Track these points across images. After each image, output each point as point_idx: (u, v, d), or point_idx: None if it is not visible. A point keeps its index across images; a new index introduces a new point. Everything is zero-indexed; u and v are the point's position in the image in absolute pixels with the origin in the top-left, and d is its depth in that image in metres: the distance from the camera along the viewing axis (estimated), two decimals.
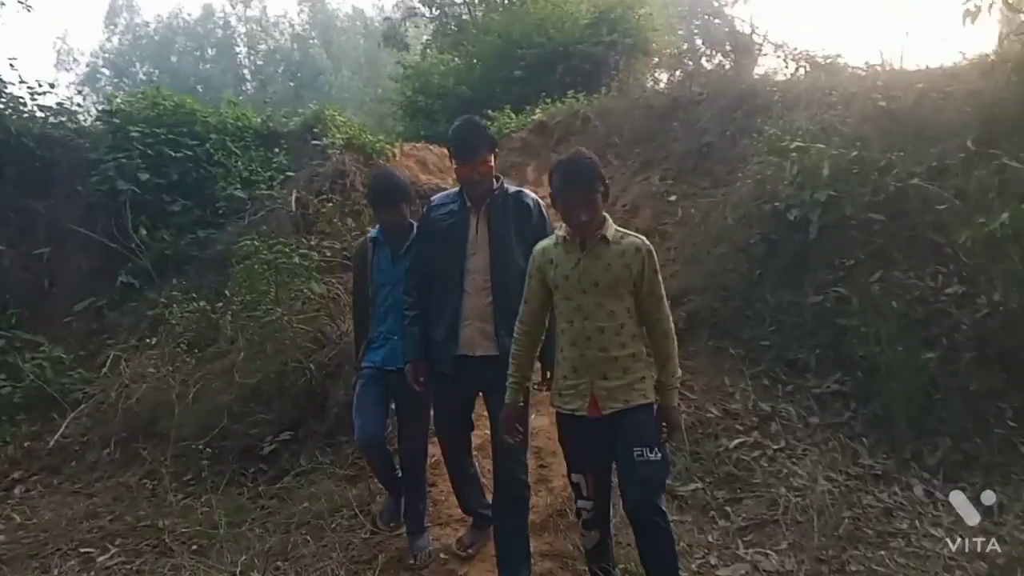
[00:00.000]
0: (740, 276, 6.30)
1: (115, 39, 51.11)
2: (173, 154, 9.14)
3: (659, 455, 3.22)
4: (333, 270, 7.71)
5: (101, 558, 4.92)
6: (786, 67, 11.90)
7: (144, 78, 42.94)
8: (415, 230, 4.29)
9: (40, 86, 9.88)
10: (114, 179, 8.75)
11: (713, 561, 4.12)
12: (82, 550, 5.06)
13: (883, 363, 5.20)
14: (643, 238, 3.35)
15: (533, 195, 4.00)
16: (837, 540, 4.10)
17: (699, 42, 24.19)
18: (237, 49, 51.15)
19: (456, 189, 4.03)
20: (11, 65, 9.75)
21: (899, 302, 5.43)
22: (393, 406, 4.46)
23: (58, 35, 66.09)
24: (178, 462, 6.01)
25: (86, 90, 34.32)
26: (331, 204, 8.64)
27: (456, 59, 18.71)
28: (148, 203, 8.85)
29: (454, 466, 4.29)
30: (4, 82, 9.62)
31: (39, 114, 9.78)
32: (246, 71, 49.85)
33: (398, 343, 4.27)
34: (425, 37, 25.07)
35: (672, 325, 3.36)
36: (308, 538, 4.71)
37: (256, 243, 7.06)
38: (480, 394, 4.07)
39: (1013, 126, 5.96)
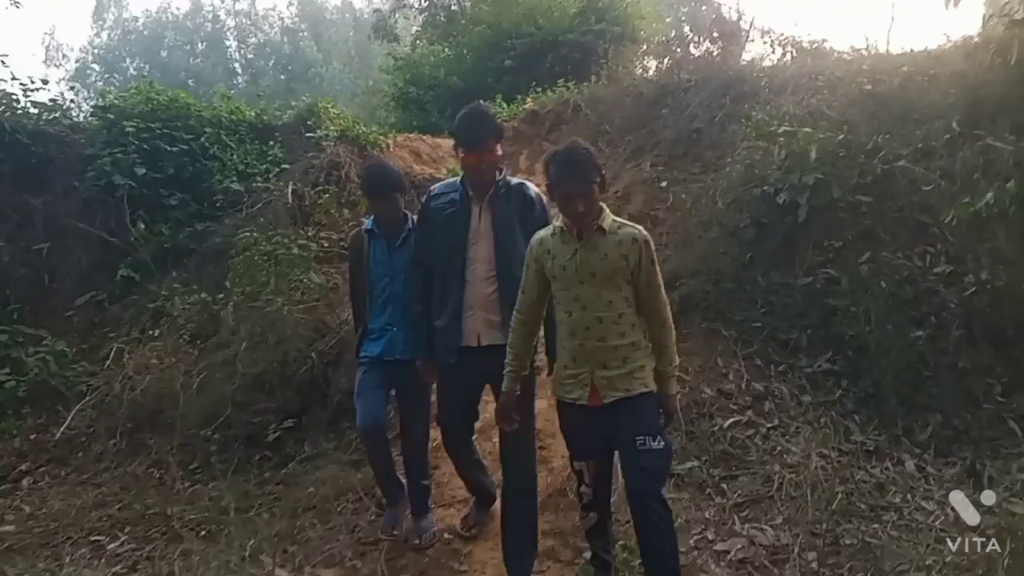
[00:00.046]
0: (731, 259, 6.32)
1: (104, 34, 50.70)
2: (168, 148, 9.13)
3: (662, 443, 3.25)
4: (331, 260, 7.78)
5: (111, 545, 4.96)
6: (773, 53, 11.87)
7: (135, 73, 42.46)
8: (414, 221, 4.30)
9: (32, 83, 9.86)
10: (110, 174, 8.76)
11: (710, 536, 4.19)
12: (92, 538, 5.10)
13: (873, 342, 5.26)
14: (640, 228, 3.34)
15: (535, 188, 3.96)
16: (831, 515, 4.14)
17: (687, 29, 24.10)
18: (227, 43, 50.88)
19: (456, 178, 4.00)
20: (2, 62, 9.68)
21: (888, 282, 5.51)
22: (393, 393, 4.48)
23: (46, 31, 65.49)
24: (184, 451, 6.07)
25: (77, 86, 34.00)
26: (327, 195, 8.72)
27: (446, 50, 18.66)
28: (145, 197, 8.86)
29: (458, 454, 4.31)
30: None
31: (32, 110, 9.71)
32: (237, 65, 49.53)
33: (398, 334, 4.29)
34: (415, 28, 24.93)
35: (670, 314, 3.39)
36: (315, 521, 4.80)
37: (255, 235, 7.13)
38: (488, 382, 4.03)
39: (997, 107, 6.03)
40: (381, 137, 10.56)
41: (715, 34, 16.76)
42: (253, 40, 50.93)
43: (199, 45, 50.30)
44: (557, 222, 3.44)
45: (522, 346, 3.54)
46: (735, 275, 6.20)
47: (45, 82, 10.21)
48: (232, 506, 4.96)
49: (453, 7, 22.47)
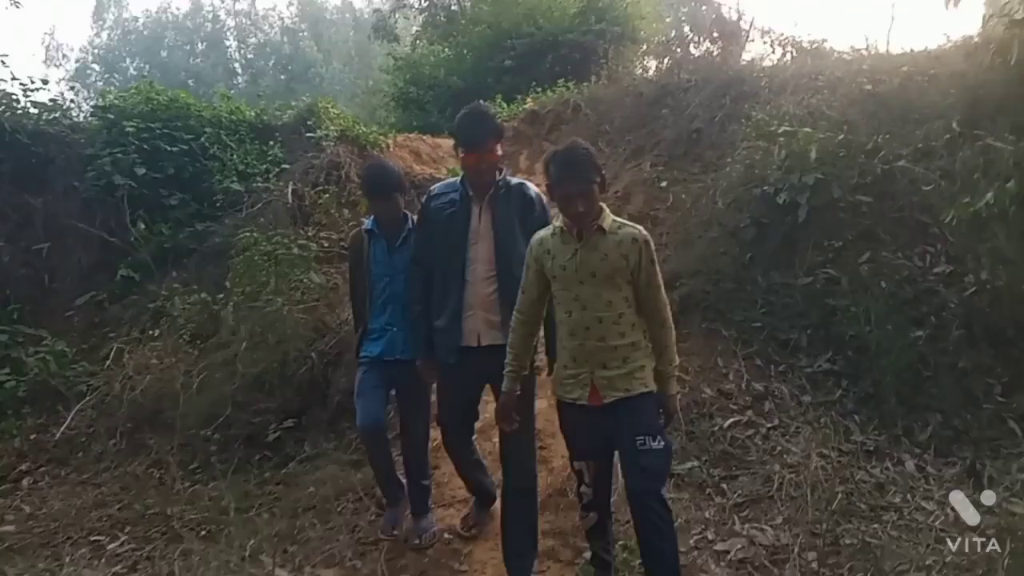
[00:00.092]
0: (731, 259, 6.31)
1: (104, 34, 50.71)
2: (168, 148, 9.12)
3: (662, 443, 3.25)
4: (331, 260, 7.78)
5: (111, 545, 4.96)
6: (773, 53, 11.88)
7: (135, 73, 42.46)
8: (414, 221, 4.29)
9: (32, 83, 9.86)
10: (110, 174, 8.75)
11: (710, 536, 4.19)
12: (92, 538, 5.09)
13: (873, 342, 5.26)
14: (640, 228, 3.34)
15: (535, 188, 3.95)
16: (831, 514, 4.14)
17: (687, 29, 24.13)
18: (227, 43, 50.89)
19: (456, 178, 4.00)
20: (2, 62, 9.67)
21: (888, 282, 5.51)
22: (393, 393, 4.48)
23: (46, 31, 65.50)
24: (184, 451, 6.07)
25: (77, 86, 33.99)
26: (327, 195, 8.72)
27: (446, 50, 18.66)
28: (145, 197, 8.85)
29: (458, 454, 4.31)
30: None
31: (32, 110, 9.71)
32: (237, 65, 49.54)
33: (398, 334, 4.29)
34: (415, 28, 24.93)
35: (670, 314, 3.38)
36: (315, 521, 4.80)
37: (255, 235, 7.13)
38: (488, 382, 4.02)
39: (997, 107, 6.03)
40: (381, 137, 10.56)
41: (715, 34, 16.76)
42: (253, 40, 50.96)
43: (199, 45, 50.31)
44: (557, 222, 3.44)
45: (522, 346, 3.54)
46: (735, 275, 6.20)
47: (45, 82, 10.23)
48: (232, 506, 4.95)
49: (453, 7, 22.46)
